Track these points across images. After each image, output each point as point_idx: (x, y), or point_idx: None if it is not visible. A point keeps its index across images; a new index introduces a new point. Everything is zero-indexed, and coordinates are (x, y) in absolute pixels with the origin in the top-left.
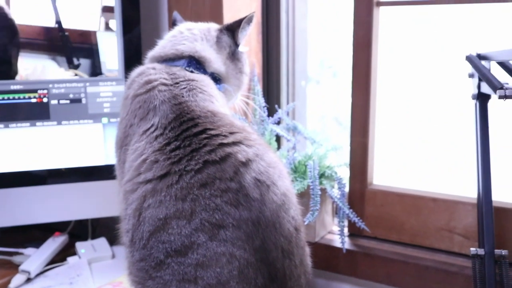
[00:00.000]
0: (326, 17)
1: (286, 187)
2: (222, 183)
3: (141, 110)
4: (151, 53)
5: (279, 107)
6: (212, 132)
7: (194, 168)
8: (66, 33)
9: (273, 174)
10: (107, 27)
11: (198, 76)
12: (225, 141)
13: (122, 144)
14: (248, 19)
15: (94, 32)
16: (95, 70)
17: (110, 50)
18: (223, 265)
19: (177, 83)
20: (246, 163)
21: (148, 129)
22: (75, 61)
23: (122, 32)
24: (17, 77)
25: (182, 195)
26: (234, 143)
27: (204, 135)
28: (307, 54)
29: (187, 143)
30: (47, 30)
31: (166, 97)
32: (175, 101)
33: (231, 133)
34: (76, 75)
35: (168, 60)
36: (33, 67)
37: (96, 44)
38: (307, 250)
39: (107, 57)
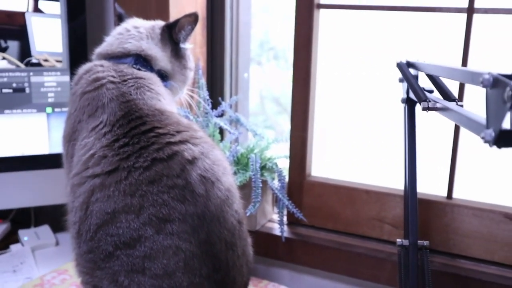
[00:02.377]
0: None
1: (230, 183)
2: (169, 180)
3: (90, 107)
4: (98, 50)
5: (222, 99)
6: (160, 130)
7: (142, 165)
8: None
9: (218, 171)
10: (37, 8)
11: (145, 74)
12: (172, 139)
13: (70, 139)
14: (192, 20)
15: (23, 13)
16: (24, 53)
17: (40, 32)
18: (170, 257)
19: (124, 80)
20: (192, 161)
21: (97, 125)
22: (2, 44)
23: (67, 20)
24: None
25: (131, 191)
26: (181, 142)
27: (152, 134)
28: (250, 47)
29: (135, 140)
30: None
31: (114, 95)
32: (123, 99)
33: (178, 131)
34: (3, 58)
35: (116, 57)
36: None
37: (25, 26)
38: (249, 241)
39: (37, 40)
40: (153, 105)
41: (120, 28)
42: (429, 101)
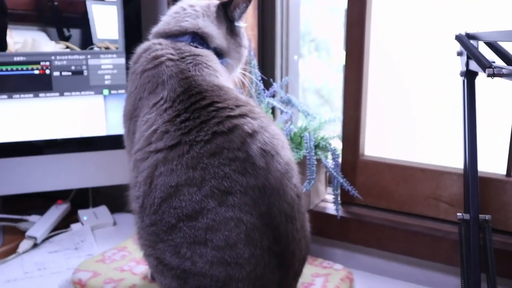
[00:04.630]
0: None
1: (289, 157)
2: (230, 153)
3: (150, 84)
4: (155, 29)
5: (273, 80)
6: (219, 105)
7: (203, 139)
8: (56, 3)
9: (277, 145)
10: None
11: (202, 51)
12: (232, 113)
13: (132, 116)
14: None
15: (84, 1)
16: (86, 41)
17: (100, 19)
18: (231, 228)
19: (183, 58)
20: (252, 134)
21: (158, 102)
22: (66, 32)
23: (122, 4)
24: (7, 52)
25: (192, 164)
26: (240, 116)
27: (212, 108)
28: (299, 29)
29: (196, 115)
30: (35, 0)
31: (173, 72)
32: (182, 75)
33: (237, 106)
34: (67, 47)
35: (173, 36)
36: (23, 40)
37: (86, 14)
38: (307, 215)
39: (98, 27)
40: (212, 81)
41: (176, 7)
42: (494, 68)
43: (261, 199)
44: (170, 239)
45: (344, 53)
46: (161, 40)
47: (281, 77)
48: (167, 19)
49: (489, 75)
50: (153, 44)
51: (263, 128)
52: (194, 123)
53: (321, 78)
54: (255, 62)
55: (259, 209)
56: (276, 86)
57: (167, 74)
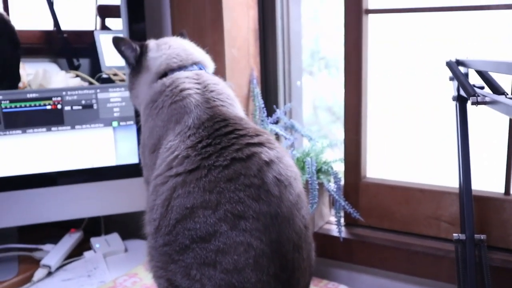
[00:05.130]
0: (318, 9)
1: (300, 189)
2: (246, 179)
3: (178, 115)
4: (166, 65)
5: (277, 107)
6: (240, 132)
7: (222, 164)
8: (65, 35)
9: (290, 176)
10: (104, 26)
11: (217, 79)
12: (251, 141)
13: (155, 149)
14: None
15: (92, 32)
16: (95, 69)
17: (108, 48)
18: (241, 253)
19: (205, 87)
20: (268, 163)
21: (182, 130)
22: (75, 62)
23: (128, 33)
24: (20, 84)
25: (209, 187)
26: (259, 144)
27: (233, 135)
28: (301, 56)
29: (217, 141)
30: (46, 33)
31: (199, 102)
32: (207, 104)
33: (256, 135)
34: (77, 76)
35: (184, 67)
36: (34, 72)
37: (94, 43)
38: (313, 246)
39: (106, 56)
40: (232, 111)
41: (181, 44)
42: (478, 96)
43: (272, 226)
44: (182, 259)
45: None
46: (182, 73)
47: (285, 103)
48: (175, 54)
49: (473, 103)
50: (177, 79)
51: (279, 158)
52: (214, 148)
53: (332, 95)
54: (258, 90)
55: (269, 235)
56: (279, 112)
57: (194, 104)
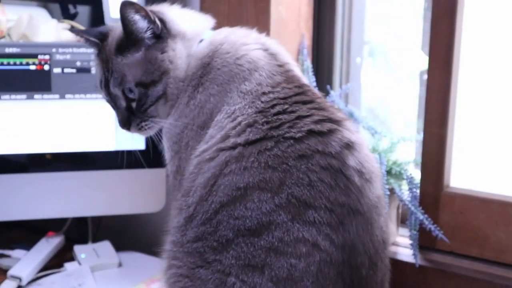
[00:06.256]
0: None
1: (380, 192)
2: (323, 158)
3: (245, 72)
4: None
5: (331, 88)
6: (322, 105)
7: (294, 136)
8: None
9: (372, 172)
10: None
11: (271, 40)
12: (333, 116)
13: (205, 126)
14: None
15: None
16: (96, 20)
17: None
18: (301, 255)
19: (264, 45)
20: (351, 146)
21: (253, 88)
22: (71, 9)
23: None
24: None
25: (273, 164)
26: (342, 122)
27: (313, 105)
28: (365, 26)
29: (295, 108)
30: None
31: (268, 59)
32: (277, 62)
33: (338, 111)
34: (72, 27)
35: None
36: (17, 18)
37: None
38: (388, 274)
39: (111, 3)
40: (304, 80)
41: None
42: None
43: (350, 224)
44: (218, 260)
45: (423, 56)
46: (225, 29)
47: (340, 84)
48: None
49: None
50: (228, 35)
51: (360, 146)
52: (289, 117)
53: (376, 92)
54: (308, 63)
55: (343, 236)
56: (334, 95)
57: (263, 61)
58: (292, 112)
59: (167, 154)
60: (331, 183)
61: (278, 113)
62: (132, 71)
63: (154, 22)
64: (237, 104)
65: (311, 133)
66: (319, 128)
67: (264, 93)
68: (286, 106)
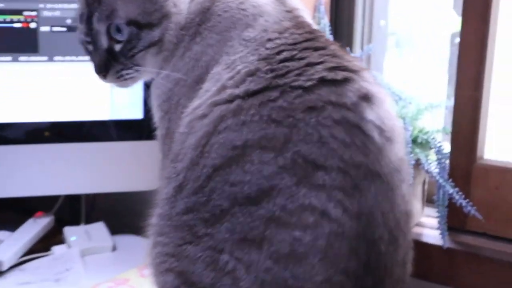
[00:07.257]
0: None
1: (403, 153)
2: (336, 111)
3: (249, 17)
4: None
5: (351, 50)
6: (336, 52)
7: (303, 85)
8: None
9: (394, 131)
10: None
11: None
12: (349, 64)
13: (199, 81)
14: None
15: None
16: None
17: None
18: (307, 226)
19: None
20: (371, 99)
21: (258, 35)
22: None
23: None
24: None
25: (278, 117)
26: (360, 72)
27: (325, 51)
28: None
29: (304, 55)
30: None
31: (275, 4)
32: (290, 14)
33: (354, 59)
34: None
35: None
36: None
37: None
38: (411, 253)
39: None
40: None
41: None
42: None
43: (367, 188)
44: (209, 233)
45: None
46: None
47: (362, 46)
48: None
49: None
50: None
51: (381, 101)
52: (297, 64)
53: (401, 86)
54: (326, 21)
55: (358, 203)
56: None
57: (270, 5)
58: (301, 58)
59: (156, 115)
60: (346, 140)
61: (285, 59)
62: (126, 6)
63: None
64: (238, 53)
65: (323, 81)
66: (332, 76)
67: (269, 39)
68: (294, 52)
